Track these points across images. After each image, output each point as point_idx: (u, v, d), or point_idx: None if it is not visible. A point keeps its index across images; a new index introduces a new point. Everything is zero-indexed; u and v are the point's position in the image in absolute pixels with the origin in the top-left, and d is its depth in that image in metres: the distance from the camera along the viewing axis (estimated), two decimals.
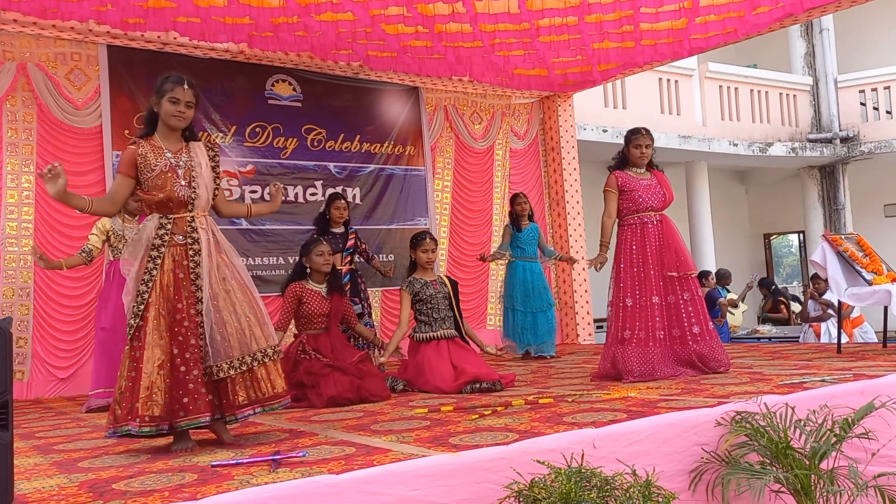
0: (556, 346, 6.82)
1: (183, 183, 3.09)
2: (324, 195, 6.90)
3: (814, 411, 2.94)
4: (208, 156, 3.21)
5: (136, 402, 2.89)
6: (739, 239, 14.95)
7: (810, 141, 13.08)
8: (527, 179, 8.61)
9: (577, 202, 8.64)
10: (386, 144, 7.68)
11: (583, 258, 8.42)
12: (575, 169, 8.66)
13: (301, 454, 2.65)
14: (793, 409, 2.92)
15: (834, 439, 2.77)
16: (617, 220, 4.71)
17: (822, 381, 3.69)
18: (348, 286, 5.62)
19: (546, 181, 8.81)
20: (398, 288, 5.31)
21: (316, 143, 7.26)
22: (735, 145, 12.09)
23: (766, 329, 9.78)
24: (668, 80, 11.55)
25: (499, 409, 3.53)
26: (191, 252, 3.08)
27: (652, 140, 4.73)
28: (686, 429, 2.88)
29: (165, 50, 6.44)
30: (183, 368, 2.96)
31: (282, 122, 7.08)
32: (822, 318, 8.72)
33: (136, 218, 5.06)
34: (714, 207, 12.67)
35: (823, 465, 2.73)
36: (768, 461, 2.78)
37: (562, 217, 8.62)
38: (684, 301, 4.53)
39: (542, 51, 6.97)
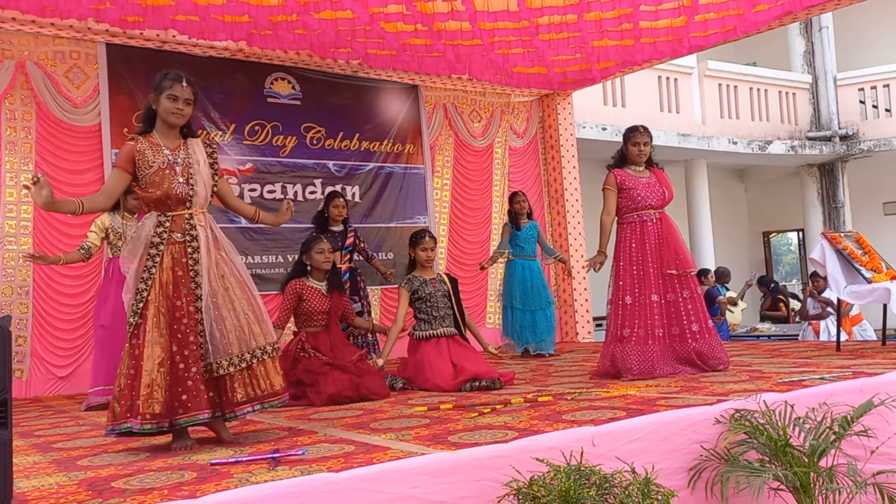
0: (556, 344, 6.82)
1: (181, 180, 3.09)
2: (323, 193, 6.91)
3: (813, 409, 2.95)
4: (206, 152, 3.21)
5: (137, 400, 2.90)
6: (739, 237, 14.95)
7: (809, 139, 13.08)
8: (526, 178, 8.61)
9: (577, 200, 8.64)
10: (385, 143, 7.68)
11: (582, 256, 8.43)
12: (574, 167, 8.65)
13: (300, 452, 2.65)
14: (792, 406, 2.92)
15: (833, 437, 2.77)
16: (616, 219, 4.71)
17: (822, 378, 3.69)
18: (348, 284, 5.63)
19: (545, 179, 8.81)
20: (397, 286, 5.31)
21: (315, 142, 7.26)
22: (734, 143, 12.09)
23: (766, 327, 9.78)
24: (668, 79, 11.55)
25: (498, 407, 3.53)
26: (189, 249, 3.08)
27: (650, 138, 4.72)
28: (685, 426, 2.88)
29: (164, 48, 6.44)
30: (182, 366, 2.97)
31: (281, 121, 7.07)
32: (822, 316, 8.73)
33: (136, 216, 5.06)
34: (713, 205, 12.67)
35: (822, 463, 2.74)
36: (767, 459, 2.78)
37: (561, 215, 8.62)
38: (683, 299, 4.53)
39: (541, 49, 6.96)
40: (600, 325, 7.32)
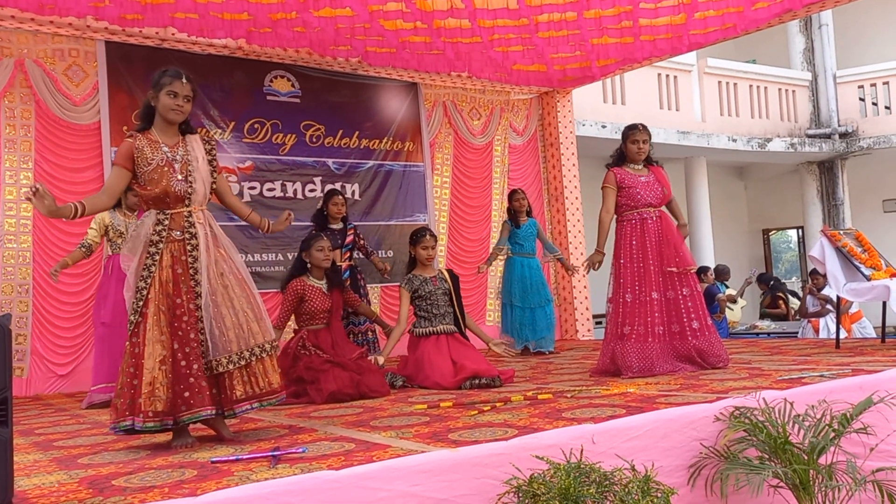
0: (556, 341, 6.82)
1: (179, 177, 3.08)
2: (322, 191, 6.90)
3: (812, 406, 2.95)
4: (205, 149, 3.20)
5: (138, 398, 2.90)
6: (738, 234, 14.96)
7: (809, 136, 13.08)
8: (526, 175, 8.61)
9: (576, 198, 8.64)
10: (385, 140, 7.68)
11: (582, 254, 8.43)
12: (574, 165, 8.65)
13: (300, 450, 2.65)
14: (791, 404, 2.93)
15: (832, 434, 2.78)
16: (615, 217, 4.71)
17: (821, 376, 3.69)
18: (348, 282, 5.62)
19: (545, 177, 8.81)
20: (397, 284, 5.30)
21: (315, 140, 7.26)
22: (734, 141, 12.09)
23: (765, 325, 9.79)
24: (667, 76, 11.54)
25: (498, 404, 3.53)
26: (189, 247, 3.08)
27: (649, 136, 4.72)
28: (685, 424, 2.88)
29: (163, 46, 6.43)
30: (184, 363, 2.97)
31: (280, 119, 7.07)
32: (821, 314, 8.74)
33: (136, 213, 5.06)
34: (713, 203, 12.67)
35: (822, 460, 2.74)
36: (767, 456, 2.79)
37: (561, 213, 8.62)
38: (683, 297, 4.53)
39: (540, 46, 6.96)
40: (600, 322, 7.32)
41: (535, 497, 2.21)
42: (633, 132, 4.69)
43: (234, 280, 3.13)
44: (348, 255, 5.91)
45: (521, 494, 2.26)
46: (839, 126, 13.16)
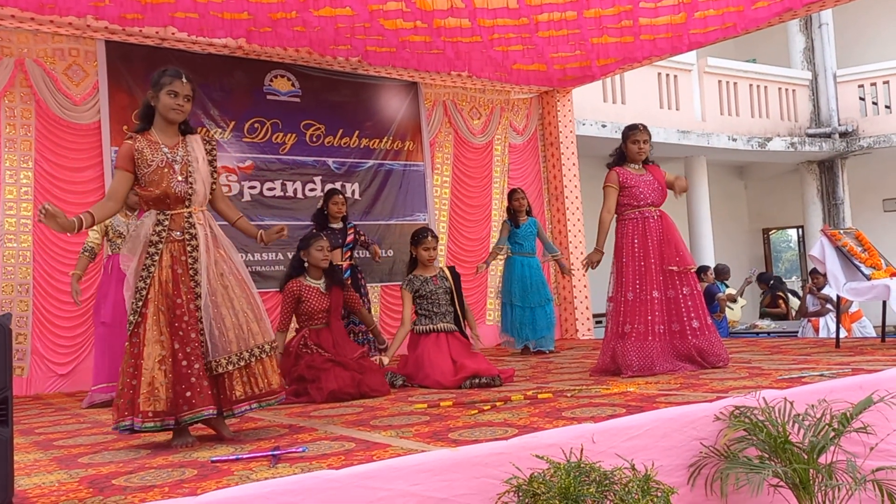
0: (556, 341, 6.82)
1: (180, 178, 3.08)
2: (322, 191, 6.90)
3: (812, 406, 2.95)
4: (205, 150, 3.20)
5: (137, 398, 2.90)
6: (738, 234, 14.95)
7: (809, 136, 13.07)
8: (526, 175, 8.61)
9: (577, 197, 8.64)
10: (385, 140, 7.68)
11: (581, 253, 8.43)
12: (574, 164, 8.65)
13: (301, 449, 2.65)
14: (791, 403, 2.93)
15: (832, 434, 2.78)
16: (616, 216, 4.71)
17: (821, 375, 3.69)
18: (348, 281, 5.62)
19: (545, 176, 8.81)
20: (398, 284, 5.31)
21: (315, 139, 7.26)
22: (734, 140, 12.09)
23: (765, 324, 9.79)
24: (668, 75, 11.54)
25: (498, 404, 3.53)
26: (189, 248, 3.07)
27: (649, 136, 4.73)
28: (685, 423, 2.88)
29: (163, 45, 6.43)
30: (185, 363, 2.96)
31: (280, 118, 7.07)
32: (821, 313, 8.74)
33: (136, 213, 5.05)
34: (713, 202, 12.67)
35: (822, 460, 2.74)
36: (767, 455, 2.79)
37: (561, 212, 8.62)
38: (683, 296, 4.54)
39: (540, 46, 6.96)
40: (600, 322, 7.32)
41: (535, 496, 2.21)
42: (634, 132, 4.69)
43: (234, 280, 3.13)
44: (349, 254, 5.91)
45: (521, 494, 2.27)
46: (839, 125, 13.16)
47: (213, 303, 3.03)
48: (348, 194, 7.17)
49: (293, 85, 7.19)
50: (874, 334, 8.10)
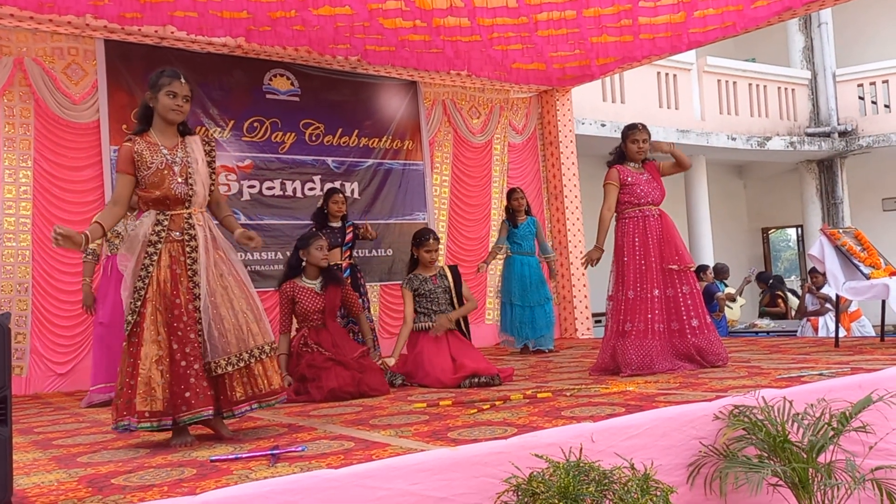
0: (555, 340, 6.82)
1: (179, 180, 3.07)
2: (322, 190, 6.90)
3: (811, 405, 2.95)
4: (204, 150, 3.19)
5: (134, 398, 2.89)
6: (737, 233, 14.96)
7: (808, 135, 13.07)
8: (525, 174, 8.61)
9: (576, 196, 8.64)
10: (384, 139, 7.67)
11: (581, 252, 8.43)
12: (573, 163, 8.65)
13: (300, 449, 2.65)
14: (790, 402, 2.93)
15: (831, 433, 2.78)
16: (616, 214, 4.72)
17: (820, 374, 3.69)
18: (348, 281, 5.62)
19: (544, 176, 8.81)
20: (397, 283, 5.31)
21: (314, 138, 7.25)
22: (733, 139, 12.09)
23: (764, 323, 9.79)
24: (667, 75, 11.54)
25: (497, 403, 3.53)
26: (188, 248, 3.07)
27: (649, 135, 4.74)
28: (684, 423, 2.88)
29: (163, 44, 6.43)
30: (184, 363, 2.96)
31: (280, 117, 7.06)
32: (820, 313, 8.74)
33: (135, 213, 5.05)
34: (712, 202, 12.67)
35: (821, 459, 2.74)
36: (766, 455, 2.79)
37: (560, 211, 8.62)
38: (683, 295, 4.54)
39: (540, 45, 6.96)
40: (599, 321, 7.33)
41: (534, 495, 2.21)
42: (633, 132, 4.70)
43: (233, 281, 3.12)
44: (348, 253, 5.91)
45: (520, 493, 2.27)
46: (838, 125, 13.16)
47: (212, 303, 3.02)
48: (347, 193, 7.17)
49: (292, 84, 7.19)
50: (873, 333, 8.10)
